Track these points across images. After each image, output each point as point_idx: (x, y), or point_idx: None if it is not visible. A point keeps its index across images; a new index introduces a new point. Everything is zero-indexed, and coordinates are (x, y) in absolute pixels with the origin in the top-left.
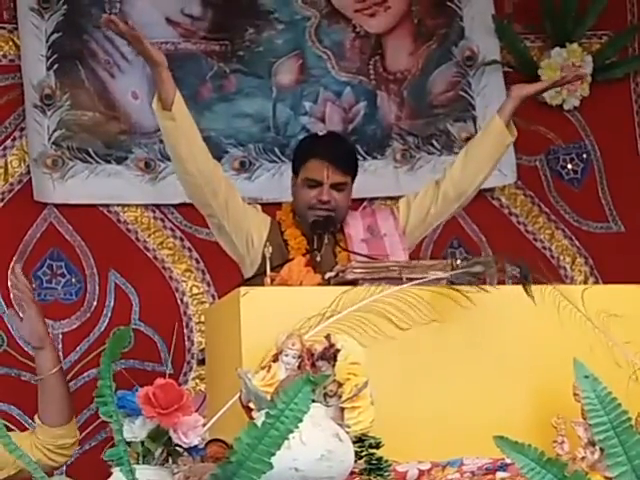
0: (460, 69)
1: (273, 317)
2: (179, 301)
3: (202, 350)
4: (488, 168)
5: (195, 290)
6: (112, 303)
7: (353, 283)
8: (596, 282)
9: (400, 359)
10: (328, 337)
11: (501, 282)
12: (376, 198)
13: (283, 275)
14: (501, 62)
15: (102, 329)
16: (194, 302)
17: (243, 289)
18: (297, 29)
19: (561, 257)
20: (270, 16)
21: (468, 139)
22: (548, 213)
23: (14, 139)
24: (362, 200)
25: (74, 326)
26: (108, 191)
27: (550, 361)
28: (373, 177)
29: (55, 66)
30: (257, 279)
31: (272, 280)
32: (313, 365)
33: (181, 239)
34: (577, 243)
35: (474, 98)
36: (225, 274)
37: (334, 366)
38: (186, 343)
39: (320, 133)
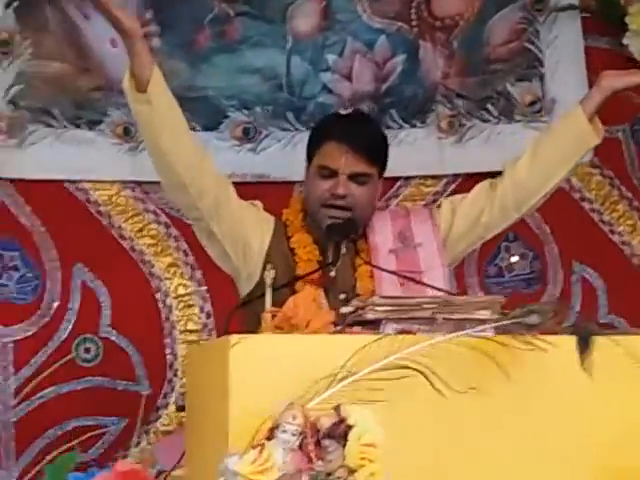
0: (527, 14)
1: (270, 375)
2: (160, 304)
3: (183, 394)
4: (562, 174)
5: (181, 290)
6: (77, 305)
7: (374, 323)
8: None
9: (430, 435)
10: (338, 409)
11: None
12: (414, 177)
13: (286, 312)
14: (579, 7)
15: (63, 338)
16: (180, 306)
17: (233, 338)
18: None
19: None
20: None
21: (533, 103)
22: (631, 199)
23: None
24: (395, 179)
25: (29, 333)
26: (76, 163)
27: (622, 437)
28: (411, 150)
29: (15, 3)
30: (256, 305)
31: (273, 316)
32: (318, 444)
33: (166, 225)
34: None
35: (543, 51)
36: (221, 272)
37: (344, 446)
38: (167, 357)
39: (342, 111)
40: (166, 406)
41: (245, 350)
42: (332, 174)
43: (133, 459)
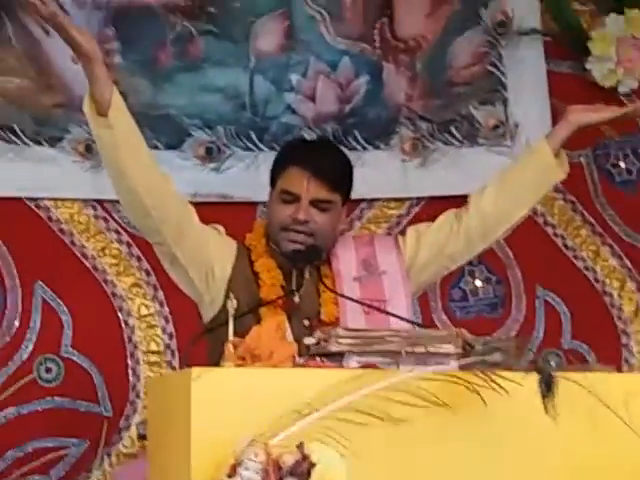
0: (489, 37)
1: (232, 409)
2: (123, 324)
3: (144, 422)
4: (527, 207)
5: (144, 310)
6: (38, 324)
7: (337, 355)
8: None
9: (393, 474)
10: (301, 447)
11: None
12: (377, 199)
13: (249, 342)
14: (541, 31)
15: (24, 357)
16: (142, 326)
17: (195, 371)
18: None
19: (607, 280)
20: None
21: (496, 127)
22: (593, 224)
23: None
24: (358, 201)
25: None
26: (37, 181)
27: (584, 477)
28: (374, 172)
29: None
30: (219, 331)
31: (235, 347)
32: None
33: (128, 245)
34: (628, 263)
35: (506, 75)
36: (183, 293)
37: None
38: (130, 378)
39: (308, 137)
40: (128, 428)
41: (207, 384)
42: (294, 199)
43: None
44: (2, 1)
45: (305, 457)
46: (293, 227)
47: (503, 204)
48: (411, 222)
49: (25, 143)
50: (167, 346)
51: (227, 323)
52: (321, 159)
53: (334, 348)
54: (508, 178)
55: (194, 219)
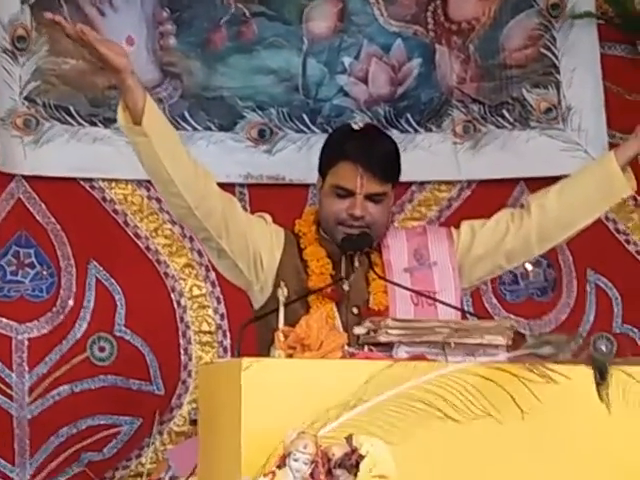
0: (543, 20)
1: (282, 400)
2: (175, 304)
3: (195, 409)
4: (589, 218)
5: (196, 291)
6: (92, 304)
7: (387, 345)
8: None
9: (442, 465)
10: (350, 439)
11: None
12: (428, 182)
13: (299, 332)
14: (595, 14)
15: (78, 336)
16: (194, 306)
17: (245, 361)
18: None
19: None
20: None
21: (549, 110)
22: None
23: None
24: (409, 184)
25: (43, 330)
26: (92, 161)
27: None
28: (426, 154)
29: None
30: (269, 320)
31: (285, 336)
32: (329, 474)
33: (181, 225)
34: None
35: (559, 58)
36: None
37: (356, 476)
38: (182, 357)
39: (355, 125)
40: (180, 406)
41: (257, 374)
42: (348, 194)
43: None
44: None
45: (354, 449)
46: (350, 223)
47: (564, 212)
48: (462, 205)
49: (80, 124)
50: (219, 326)
51: (276, 311)
52: (372, 152)
53: (383, 338)
54: (571, 187)
55: (238, 211)
